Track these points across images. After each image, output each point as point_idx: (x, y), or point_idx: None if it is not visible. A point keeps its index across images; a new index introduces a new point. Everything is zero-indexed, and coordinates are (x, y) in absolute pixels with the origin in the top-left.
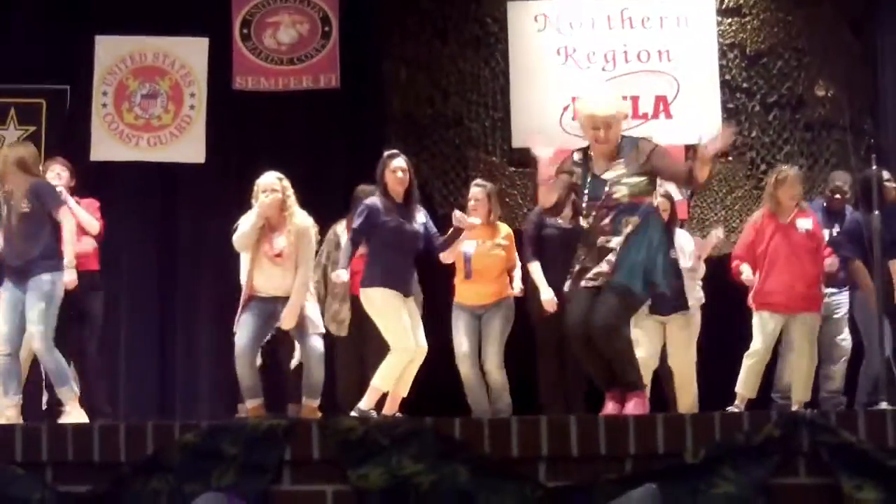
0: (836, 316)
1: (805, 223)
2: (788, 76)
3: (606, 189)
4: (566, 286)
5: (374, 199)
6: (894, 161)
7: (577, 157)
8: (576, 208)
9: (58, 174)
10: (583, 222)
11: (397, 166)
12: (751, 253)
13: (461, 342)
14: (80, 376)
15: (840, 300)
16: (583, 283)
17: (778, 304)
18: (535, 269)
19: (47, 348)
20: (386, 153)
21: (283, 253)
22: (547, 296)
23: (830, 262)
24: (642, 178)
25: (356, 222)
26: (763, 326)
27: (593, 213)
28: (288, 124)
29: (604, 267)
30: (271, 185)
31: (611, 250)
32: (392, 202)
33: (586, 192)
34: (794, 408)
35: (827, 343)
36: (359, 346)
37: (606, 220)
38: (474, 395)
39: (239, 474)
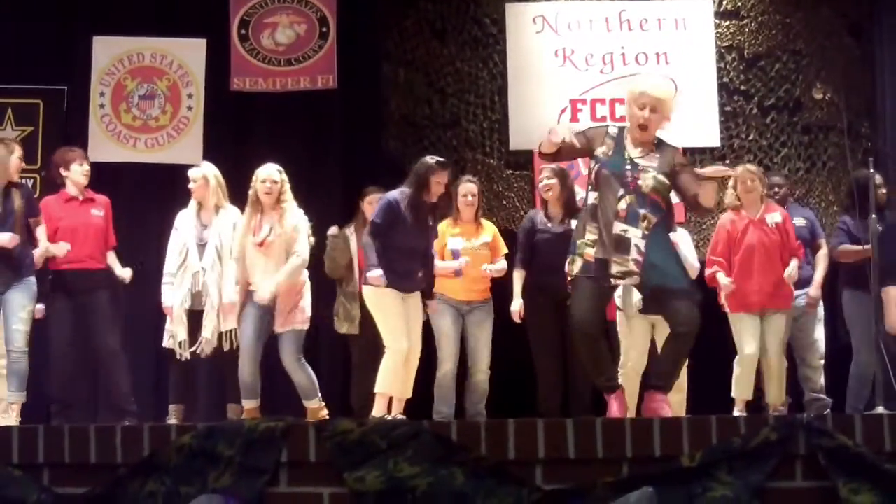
0: (808, 314)
1: (774, 217)
2: (786, 79)
3: (631, 171)
4: (574, 269)
5: (396, 195)
6: (892, 164)
7: (613, 130)
8: (568, 209)
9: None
10: (590, 195)
11: (444, 178)
12: (724, 254)
13: (449, 339)
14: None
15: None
16: (612, 281)
17: (753, 304)
18: (518, 277)
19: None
20: (435, 160)
21: (265, 241)
22: (516, 306)
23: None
24: (667, 181)
25: (379, 217)
26: (747, 329)
27: (608, 189)
28: (285, 125)
29: (631, 266)
30: (270, 176)
31: (629, 242)
32: (417, 202)
33: (608, 165)
34: (771, 412)
35: (801, 344)
36: (373, 346)
37: (622, 204)
38: (447, 397)
39: (235, 476)
